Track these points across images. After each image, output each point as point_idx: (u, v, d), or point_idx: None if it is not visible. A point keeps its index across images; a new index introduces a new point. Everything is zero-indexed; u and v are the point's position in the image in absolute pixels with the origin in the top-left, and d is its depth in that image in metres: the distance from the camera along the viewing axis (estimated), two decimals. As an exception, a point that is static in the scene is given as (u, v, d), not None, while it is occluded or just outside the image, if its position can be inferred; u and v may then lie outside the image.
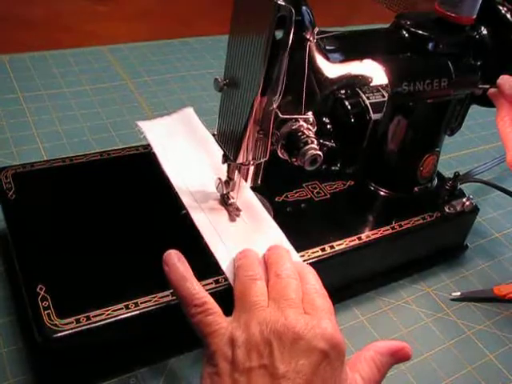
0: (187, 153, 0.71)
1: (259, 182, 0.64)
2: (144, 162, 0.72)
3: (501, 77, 0.67)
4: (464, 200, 0.77)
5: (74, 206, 0.65)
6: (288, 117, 0.56)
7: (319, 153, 0.55)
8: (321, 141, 0.69)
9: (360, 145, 0.72)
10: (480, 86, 0.70)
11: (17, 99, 0.94)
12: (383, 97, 0.69)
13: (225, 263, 0.60)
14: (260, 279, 0.53)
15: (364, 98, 0.69)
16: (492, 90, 0.67)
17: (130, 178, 0.70)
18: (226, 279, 0.58)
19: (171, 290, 0.56)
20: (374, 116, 0.69)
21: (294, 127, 0.56)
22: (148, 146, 0.74)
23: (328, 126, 0.70)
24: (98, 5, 1.30)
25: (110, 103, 0.97)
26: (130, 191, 0.68)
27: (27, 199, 0.64)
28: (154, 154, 0.69)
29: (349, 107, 0.69)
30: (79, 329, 0.52)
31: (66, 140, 0.87)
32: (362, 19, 1.57)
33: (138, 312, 0.54)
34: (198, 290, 0.51)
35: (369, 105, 0.69)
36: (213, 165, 0.69)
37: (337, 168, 0.77)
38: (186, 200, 0.66)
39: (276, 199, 0.71)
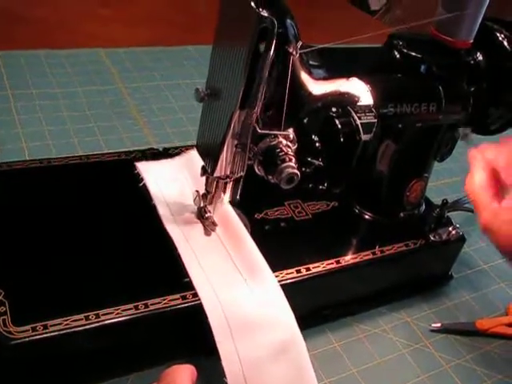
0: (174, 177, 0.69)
1: (237, 197, 0.62)
2: (124, 169, 0.70)
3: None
4: (450, 229, 0.75)
5: (45, 209, 0.63)
6: (267, 132, 0.54)
7: (296, 171, 0.53)
8: (308, 159, 0.67)
9: (348, 165, 0.70)
10: (463, 131, 0.68)
11: (5, 96, 0.92)
12: (375, 118, 0.67)
13: (197, 279, 0.58)
14: None
15: (355, 117, 0.67)
16: (473, 153, 0.65)
17: (107, 184, 0.68)
18: (194, 295, 0.56)
19: (135, 303, 0.54)
20: (364, 137, 0.67)
21: (272, 143, 0.54)
22: (129, 154, 0.72)
23: (317, 145, 0.68)
24: (102, 8, 1.29)
25: (100, 107, 0.95)
26: (105, 198, 0.66)
27: (3, 199, 0.62)
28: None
29: (339, 126, 0.67)
30: (35, 337, 0.50)
31: (51, 141, 0.85)
32: (371, 39, 1.56)
33: (98, 324, 0.52)
34: None
35: (360, 125, 0.66)
36: (194, 180, 0.68)
37: (324, 187, 0.76)
38: (162, 211, 0.64)
39: (255, 216, 0.69)
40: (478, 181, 0.59)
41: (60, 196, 0.65)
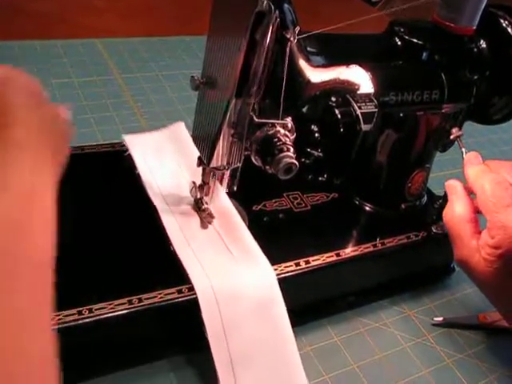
0: (168, 164, 0.68)
1: (235, 188, 0.61)
2: (119, 160, 0.69)
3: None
4: (453, 221, 0.73)
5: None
6: (264, 121, 0.52)
7: (294, 161, 0.52)
8: (307, 150, 0.66)
9: (349, 156, 0.68)
10: (453, 134, 0.66)
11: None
12: (375, 107, 0.65)
13: (192, 271, 0.56)
14: None
15: (356, 107, 0.65)
16: (451, 182, 0.64)
17: (101, 175, 0.67)
18: (189, 289, 0.55)
19: (129, 298, 0.53)
20: (365, 127, 0.65)
21: (269, 132, 0.53)
22: (124, 146, 0.71)
23: (316, 135, 0.66)
24: (97, -1, 1.27)
25: (97, 97, 0.94)
26: (99, 190, 0.65)
27: None
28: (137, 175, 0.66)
29: (339, 116, 0.65)
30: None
31: (46, 132, 0.83)
32: (369, 28, 1.54)
33: (91, 319, 0.51)
34: None
35: (360, 115, 0.65)
36: (190, 170, 0.66)
37: (323, 179, 0.74)
38: (157, 203, 0.63)
39: (253, 208, 0.67)
40: (458, 213, 0.59)
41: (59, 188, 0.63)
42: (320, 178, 0.74)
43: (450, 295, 0.76)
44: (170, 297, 0.54)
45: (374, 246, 0.67)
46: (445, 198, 0.74)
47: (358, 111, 0.65)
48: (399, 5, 1.90)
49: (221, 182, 0.61)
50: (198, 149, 0.59)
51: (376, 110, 0.65)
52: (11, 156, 0.41)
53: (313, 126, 0.66)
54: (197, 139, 0.59)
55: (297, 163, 0.52)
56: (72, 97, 0.93)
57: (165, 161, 0.69)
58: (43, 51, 1.02)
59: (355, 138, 0.66)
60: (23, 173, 0.41)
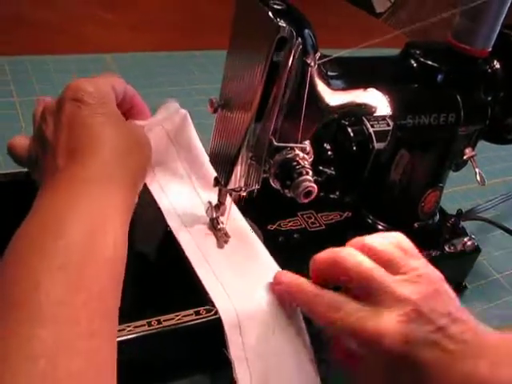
0: (177, 172, 0.67)
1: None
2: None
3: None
4: (466, 239, 0.74)
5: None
6: (283, 145, 0.52)
7: (314, 185, 0.52)
8: (320, 168, 0.66)
9: (361, 174, 0.68)
10: (466, 154, 0.66)
11: (12, 103, 0.91)
12: (388, 125, 0.65)
13: (214, 292, 0.57)
14: None
15: (368, 125, 0.65)
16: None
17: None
18: (207, 311, 0.55)
19: (148, 320, 0.53)
20: (378, 145, 0.66)
21: (288, 156, 0.53)
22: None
23: (328, 153, 0.67)
24: (106, 12, 1.28)
25: (108, 113, 0.94)
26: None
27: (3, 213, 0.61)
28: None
29: (351, 134, 0.65)
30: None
31: (58, 149, 0.84)
32: (378, 43, 1.55)
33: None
34: None
35: (372, 133, 0.65)
36: (203, 187, 0.66)
37: (335, 196, 0.74)
38: (172, 222, 0.63)
39: (268, 227, 0.68)
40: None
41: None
42: (331, 196, 0.74)
43: (462, 313, 0.76)
44: (187, 318, 0.54)
45: (389, 265, 0.67)
46: (457, 216, 0.75)
47: (371, 129, 0.65)
48: (403, 16, 1.91)
49: (237, 203, 0.61)
50: (215, 169, 0.59)
51: (389, 128, 0.65)
52: (76, 193, 0.44)
53: (325, 144, 0.66)
54: (214, 160, 0.60)
55: (316, 187, 0.52)
56: (83, 113, 0.93)
57: (175, 173, 0.69)
58: (54, 66, 1.03)
59: (368, 157, 0.66)
60: (83, 214, 0.43)
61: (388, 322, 0.48)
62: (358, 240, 0.56)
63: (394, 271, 0.52)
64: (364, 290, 0.51)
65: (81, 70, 1.04)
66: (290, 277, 0.56)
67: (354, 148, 0.66)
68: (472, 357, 0.47)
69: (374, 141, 0.65)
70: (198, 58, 1.18)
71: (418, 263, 0.54)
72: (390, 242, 0.55)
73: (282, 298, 0.56)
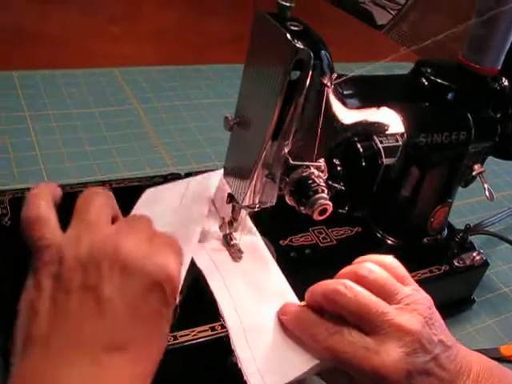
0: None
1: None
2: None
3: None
4: (474, 254, 0.74)
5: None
6: (299, 163, 0.53)
7: (329, 203, 0.53)
8: (329, 182, 0.67)
9: (370, 189, 0.69)
10: (475, 170, 0.67)
11: (23, 118, 0.92)
12: (397, 141, 0.66)
13: (225, 307, 0.57)
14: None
15: (377, 141, 0.66)
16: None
17: (131, 210, 0.67)
18: (222, 326, 0.56)
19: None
20: (387, 160, 0.67)
21: (304, 174, 0.54)
22: (152, 179, 0.72)
23: (338, 168, 0.67)
24: (112, 25, 1.29)
25: (117, 128, 0.95)
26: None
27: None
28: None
29: (361, 150, 0.66)
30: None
31: (69, 163, 0.85)
32: (379, 56, 1.56)
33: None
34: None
35: (382, 149, 0.66)
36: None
37: (344, 211, 0.75)
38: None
39: (280, 242, 0.68)
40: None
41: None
42: (340, 210, 0.75)
43: (470, 327, 0.77)
44: (203, 334, 0.55)
45: (399, 280, 0.68)
46: (466, 232, 0.76)
47: (380, 145, 0.66)
48: (405, 29, 1.92)
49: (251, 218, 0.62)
50: (230, 186, 0.60)
51: (398, 143, 0.66)
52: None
53: (335, 160, 0.67)
54: (229, 176, 0.60)
55: (331, 204, 0.53)
56: (93, 127, 0.94)
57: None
58: (64, 81, 1.04)
59: (377, 172, 0.67)
60: None
61: (393, 356, 0.49)
62: (350, 270, 0.57)
63: (388, 300, 0.53)
64: (363, 321, 0.52)
65: (90, 83, 1.05)
66: (294, 307, 0.57)
67: (364, 163, 0.66)
68: (458, 380, 0.52)
69: (383, 156, 0.66)
70: (204, 71, 1.19)
71: (411, 289, 0.55)
72: (382, 268, 0.56)
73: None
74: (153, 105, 1.03)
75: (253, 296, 0.60)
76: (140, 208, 0.64)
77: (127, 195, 0.70)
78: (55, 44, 1.16)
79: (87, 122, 0.95)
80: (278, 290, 0.60)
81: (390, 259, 0.58)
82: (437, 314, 0.55)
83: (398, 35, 2.26)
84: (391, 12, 2.60)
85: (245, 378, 0.53)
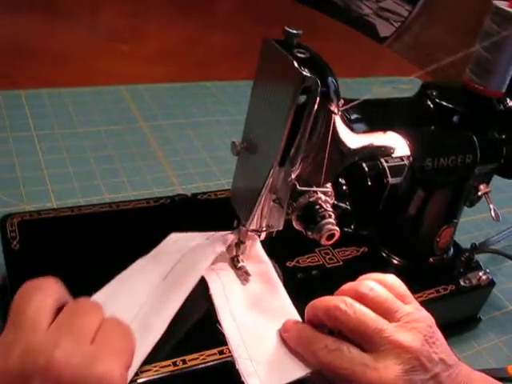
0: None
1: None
2: (154, 217, 0.70)
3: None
4: (480, 274, 0.74)
5: (81, 259, 0.63)
6: (307, 189, 0.54)
7: (337, 228, 0.53)
8: (335, 202, 0.67)
9: (375, 208, 0.70)
10: (481, 190, 0.67)
11: (30, 137, 0.93)
12: (402, 160, 0.67)
13: (230, 332, 0.58)
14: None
15: (382, 160, 0.67)
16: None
17: (138, 232, 0.68)
18: (229, 350, 0.56)
19: (173, 360, 0.54)
20: (392, 180, 0.67)
21: (311, 199, 0.54)
22: (159, 200, 0.72)
23: (344, 188, 0.68)
24: (120, 43, 1.30)
25: (124, 147, 0.95)
26: (138, 246, 0.66)
27: (32, 250, 0.62)
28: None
29: (366, 169, 0.67)
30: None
31: (77, 183, 0.85)
32: (384, 70, 1.57)
33: (136, 382, 0.52)
34: None
35: (387, 168, 0.66)
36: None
37: (350, 230, 0.75)
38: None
39: (287, 264, 0.69)
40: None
41: (90, 246, 0.65)
42: (346, 229, 0.75)
43: (477, 346, 0.77)
44: (212, 358, 0.55)
45: (405, 300, 0.68)
46: (471, 251, 0.76)
47: (385, 164, 0.66)
48: (408, 42, 1.93)
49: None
50: (237, 209, 0.60)
51: (403, 162, 0.67)
52: None
53: (340, 179, 0.67)
54: (235, 200, 0.61)
55: (338, 230, 0.53)
56: (100, 146, 0.94)
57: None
58: (71, 99, 1.04)
59: (382, 191, 0.67)
60: None
61: (391, 373, 0.50)
62: (351, 287, 0.57)
63: (388, 317, 0.54)
64: (362, 338, 0.52)
65: (96, 101, 1.06)
66: (296, 324, 0.58)
67: (369, 183, 0.67)
68: None
69: (389, 175, 0.66)
70: (210, 89, 1.19)
71: (411, 308, 0.55)
72: (383, 286, 0.57)
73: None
74: (159, 123, 1.04)
75: (257, 319, 0.60)
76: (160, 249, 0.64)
77: (135, 217, 0.71)
78: (61, 61, 1.17)
79: (94, 141, 0.95)
80: (284, 313, 0.61)
81: (391, 278, 0.59)
82: (438, 333, 0.55)
83: (400, 48, 2.27)
84: (394, 24, 2.61)
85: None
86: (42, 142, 0.92)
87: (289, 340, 0.57)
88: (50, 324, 0.42)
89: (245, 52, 1.37)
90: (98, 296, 0.55)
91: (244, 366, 0.55)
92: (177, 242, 0.65)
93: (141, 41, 1.37)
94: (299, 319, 0.60)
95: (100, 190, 0.85)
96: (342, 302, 0.54)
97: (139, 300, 0.56)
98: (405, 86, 1.37)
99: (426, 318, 0.55)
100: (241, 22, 1.58)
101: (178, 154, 0.97)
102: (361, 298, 0.55)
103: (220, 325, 0.58)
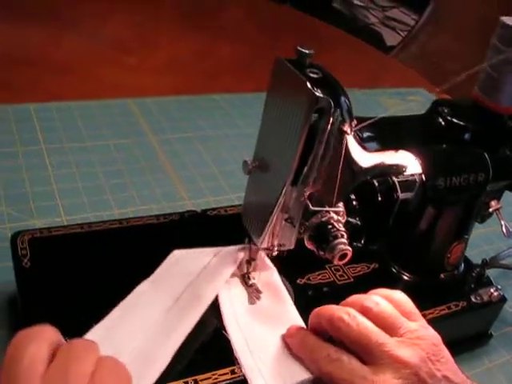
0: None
1: None
2: (164, 233, 0.70)
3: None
4: (492, 290, 0.74)
5: (92, 276, 0.63)
6: (319, 209, 0.54)
7: (349, 248, 0.53)
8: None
9: (386, 223, 0.69)
10: (492, 207, 0.67)
11: (40, 151, 0.93)
12: (412, 175, 0.67)
13: (240, 350, 0.57)
14: None
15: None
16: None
17: (148, 248, 0.68)
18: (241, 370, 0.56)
19: (185, 380, 0.54)
20: (402, 195, 0.67)
21: (323, 219, 0.54)
22: (169, 216, 0.72)
23: (354, 203, 0.68)
24: (126, 55, 1.30)
25: (133, 161, 0.96)
26: (148, 262, 0.66)
27: (42, 268, 0.62)
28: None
29: (376, 184, 0.67)
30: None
31: (86, 198, 0.85)
32: (390, 81, 1.57)
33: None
34: None
35: (397, 183, 0.66)
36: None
37: (359, 245, 0.75)
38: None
39: (298, 281, 0.68)
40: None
41: (101, 263, 0.65)
42: (355, 244, 0.75)
43: (488, 362, 0.76)
44: (224, 377, 0.55)
45: (417, 318, 0.68)
46: (482, 267, 0.75)
47: (395, 179, 0.66)
48: (415, 51, 1.93)
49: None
50: (247, 226, 0.60)
51: (413, 177, 0.66)
52: None
53: (351, 195, 0.67)
54: (246, 217, 0.60)
55: (351, 249, 0.53)
56: (109, 160, 0.94)
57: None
58: (79, 113, 1.05)
59: (392, 206, 0.67)
60: None
61: None
62: (357, 300, 0.58)
63: (392, 333, 0.54)
64: (363, 350, 0.52)
65: (105, 115, 1.06)
66: (299, 330, 0.58)
67: (379, 198, 0.67)
68: None
69: (399, 191, 0.66)
70: (218, 101, 1.19)
71: (416, 325, 0.55)
72: (389, 302, 0.57)
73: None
74: (167, 136, 1.04)
75: (262, 325, 0.60)
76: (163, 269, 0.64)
77: (145, 233, 0.70)
78: (67, 72, 1.18)
79: (103, 155, 0.95)
80: (289, 319, 0.61)
81: (398, 294, 0.59)
82: (444, 352, 0.55)
83: (407, 57, 2.27)
84: (401, 33, 2.61)
85: None
86: (52, 156, 0.92)
87: (292, 345, 0.57)
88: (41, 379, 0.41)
89: (253, 64, 1.38)
90: (99, 328, 0.54)
91: (249, 370, 0.55)
92: (179, 261, 0.65)
93: (147, 52, 1.38)
94: (303, 325, 0.60)
95: (109, 204, 0.85)
96: (345, 313, 0.55)
97: (142, 332, 0.55)
98: (413, 98, 1.38)
99: (431, 336, 0.55)
100: (248, 34, 1.58)
101: (186, 167, 0.97)
102: (365, 312, 0.55)
103: (225, 330, 0.58)
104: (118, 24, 1.50)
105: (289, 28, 1.67)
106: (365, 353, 0.52)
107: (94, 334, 0.53)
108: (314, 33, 1.66)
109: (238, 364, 0.56)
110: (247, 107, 1.17)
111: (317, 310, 0.58)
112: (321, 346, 0.55)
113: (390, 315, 0.55)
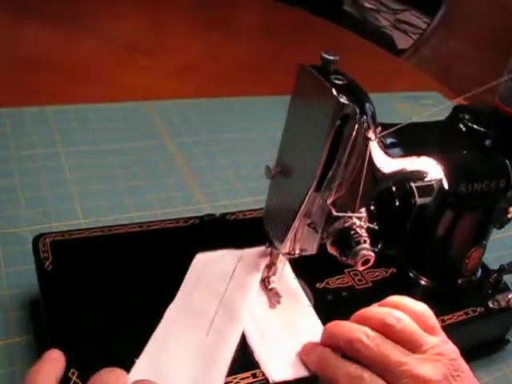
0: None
1: None
2: (184, 237, 0.70)
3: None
4: (509, 296, 0.74)
5: (113, 279, 0.63)
6: (342, 214, 0.54)
7: (372, 254, 0.53)
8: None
9: (403, 228, 0.70)
10: (511, 213, 0.67)
11: (58, 154, 0.93)
12: (430, 181, 0.67)
13: (260, 354, 0.58)
14: None
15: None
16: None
17: (168, 251, 0.68)
18: (263, 373, 0.56)
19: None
20: (420, 200, 0.67)
21: (346, 224, 0.54)
22: (188, 220, 0.73)
23: (371, 208, 0.68)
24: (140, 57, 1.31)
25: (149, 164, 0.96)
26: (168, 265, 0.66)
27: (64, 270, 0.63)
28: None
29: (393, 189, 0.67)
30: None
31: (104, 201, 0.86)
32: (403, 85, 1.57)
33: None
34: None
35: (414, 188, 0.66)
36: None
37: (376, 249, 0.75)
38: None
39: (317, 285, 0.69)
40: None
41: (121, 266, 0.65)
42: (373, 248, 0.75)
43: (506, 368, 0.76)
44: (245, 381, 0.55)
45: (435, 323, 0.68)
46: (500, 272, 0.75)
47: (413, 184, 0.66)
48: (427, 55, 1.92)
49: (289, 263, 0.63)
50: (269, 231, 0.61)
51: (431, 183, 0.67)
52: None
53: (371, 200, 0.68)
54: (268, 222, 0.61)
55: (373, 255, 0.54)
56: (126, 163, 0.95)
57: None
58: (95, 116, 1.05)
59: (410, 211, 0.67)
60: None
61: None
62: (378, 315, 0.57)
63: (413, 349, 0.54)
64: (384, 371, 0.52)
65: (121, 118, 1.07)
66: (316, 346, 0.58)
67: (397, 203, 0.67)
68: None
69: (416, 195, 0.66)
70: (232, 104, 1.20)
71: (437, 340, 0.55)
72: (411, 315, 0.57)
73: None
74: (184, 139, 1.04)
75: (285, 338, 0.61)
76: (191, 274, 0.65)
77: (164, 237, 0.71)
78: (83, 75, 1.18)
79: (120, 158, 0.96)
80: (312, 335, 0.61)
81: (421, 307, 0.59)
82: (463, 365, 0.55)
83: (418, 61, 2.27)
84: (412, 36, 2.61)
85: None
86: (70, 159, 0.93)
87: (309, 363, 0.57)
88: None
89: (268, 66, 1.38)
90: (142, 361, 0.54)
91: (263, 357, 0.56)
92: (205, 267, 0.65)
93: (163, 54, 1.38)
94: (321, 328, 0.60)
95: (127, 207, 0.86)
96: (364, 334, 0.54)
97: (187, 360, 0.56)
98: (428, 102, 1.38)
99: (451, 350, 0.55)
100: (263, 36, 1.58)
101: (203, 171, 0.97)
102: (388, 328, 0.55)
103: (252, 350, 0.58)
104: (133, 27, 1.50)
105: (302, 31, 1.67)
106: (386, 373, 0.52)
107: (139, 367, 0.53)
108: (327, 37, 1.66)
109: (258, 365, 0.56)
110: (262, 110, 1.17)
111: (330, 327, 0.58)
112: (340, 363, 0.54)
113: (412, 333, 0.55)
